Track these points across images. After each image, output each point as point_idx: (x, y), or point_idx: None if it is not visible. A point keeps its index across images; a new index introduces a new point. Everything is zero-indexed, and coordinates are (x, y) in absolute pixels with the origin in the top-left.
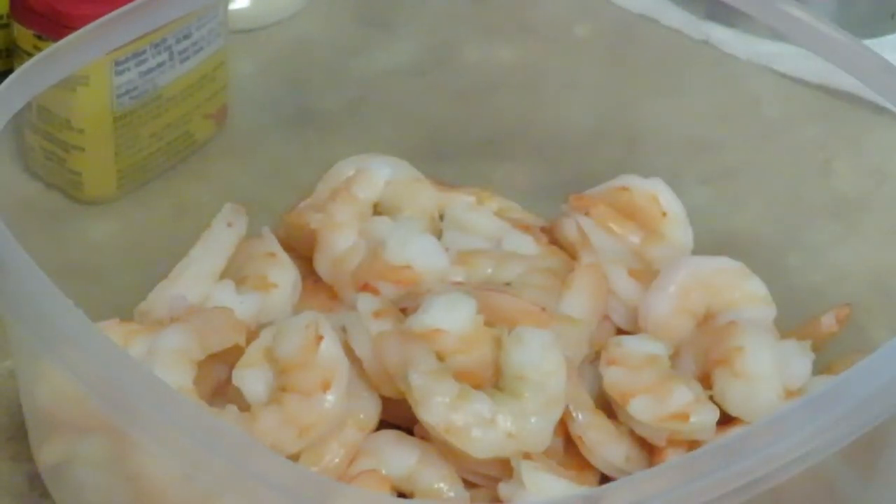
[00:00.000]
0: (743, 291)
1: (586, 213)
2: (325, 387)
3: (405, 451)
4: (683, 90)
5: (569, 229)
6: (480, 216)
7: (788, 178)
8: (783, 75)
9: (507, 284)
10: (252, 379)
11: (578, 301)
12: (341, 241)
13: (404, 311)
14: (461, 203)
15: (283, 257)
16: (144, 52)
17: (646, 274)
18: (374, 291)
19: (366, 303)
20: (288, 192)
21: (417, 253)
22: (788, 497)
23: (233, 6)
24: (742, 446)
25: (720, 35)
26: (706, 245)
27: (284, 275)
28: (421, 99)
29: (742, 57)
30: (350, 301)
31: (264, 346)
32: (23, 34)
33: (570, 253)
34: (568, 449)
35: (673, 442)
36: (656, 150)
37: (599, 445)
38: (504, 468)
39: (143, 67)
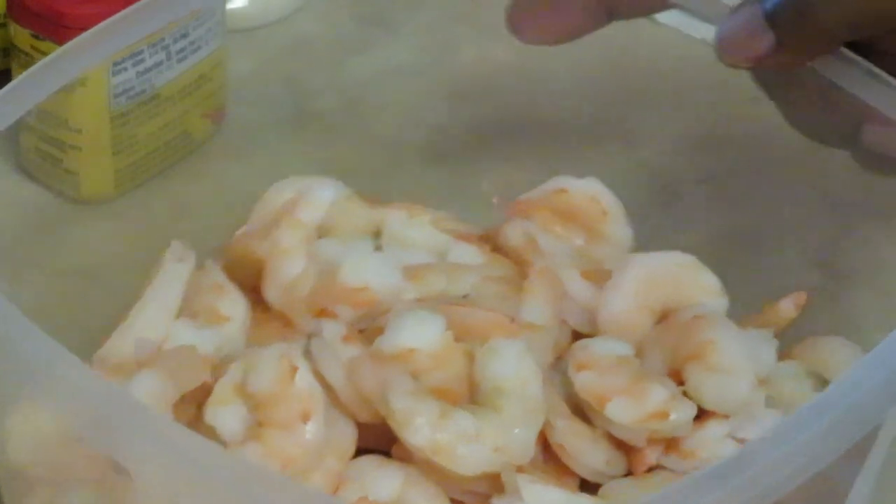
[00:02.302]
0: (697, 284)
1: (527, 218)
2: (305, 418)
3: (389, 475)
4: (682, 89)
5: (513, 235)
6: (421, 230)
7: (787, 177)
8: None
9: (465, 297)
10: (226, 416)
11: (538, 307)
12: (291, 267)
13: (361, 333)
14: (399, 218)
15: (232, 288)
16: (142, 51)
17: (598, 274)
18: (332, 316)
19: (331, 329)
20: None
21: (373, 273)
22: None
23: (231, 5)
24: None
25: None
26: (704, 244)
27: (235, 306)
28: (419, 98)
29: None
30: (306, 328)
31: (234, 382)
32: (20, 34)
33: (513, 259)
34: (546, 457)
35: (650, 441)
36: (655, 149)
37: (580, 452)
38: (492, 483)
39: (141, 67)
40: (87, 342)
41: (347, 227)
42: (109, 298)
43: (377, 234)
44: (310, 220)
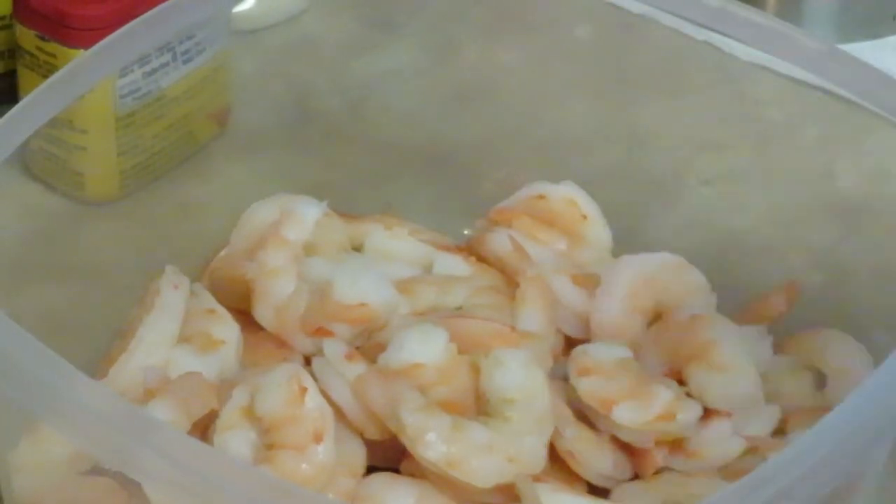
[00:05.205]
0: (686, 284)
1: (509, 226)
2: (318, 438)
3: (402, 492)
4: (684, 91)
5: (498, 244)
6: (404, 243)
7: (790, 178)
8: (784, 76)
9: (459, 308)
10: (236, 441)
11: (534, 315)
12: (282, 287)
13: (358, 350)
14: (379, 232)
15: (223, 312)
16: (148, 53)
17: (587, 279)
18: (329, 334)
19: (334, 348)
20: (290, 192)
21: (369, 289)
22: None
23: (236, 7)
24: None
25: (721, 36)
26: (707, 246)
27: (228, 330)
28: (422, 99)
29: (743, 58)
30: (302, 348)
31: (241, 406)
32: (25, 35)
33: (498, 268)
34: (551, 463)
35: (656, 442)
36: (657, 150)
37: (590, 457)
38: (505, 494)
39: (147, 68)
40: (92, 343)
41: (328, 244)
42: (114, 299)
43: (357, 250)
44: (296, 239)
